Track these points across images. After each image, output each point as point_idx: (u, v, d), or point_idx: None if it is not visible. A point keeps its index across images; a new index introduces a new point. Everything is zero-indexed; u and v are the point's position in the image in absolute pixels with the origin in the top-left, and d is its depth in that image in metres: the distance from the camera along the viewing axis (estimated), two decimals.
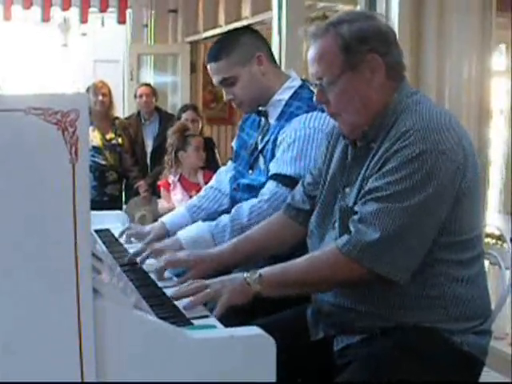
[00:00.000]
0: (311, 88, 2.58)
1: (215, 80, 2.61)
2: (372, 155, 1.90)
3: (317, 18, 5.63)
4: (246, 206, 2.44)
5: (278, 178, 2.43)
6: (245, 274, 1.89)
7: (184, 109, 6.18)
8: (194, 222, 2.70)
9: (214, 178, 2.99)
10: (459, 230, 1.86)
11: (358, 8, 3.76)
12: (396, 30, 3.38)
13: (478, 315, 1.92)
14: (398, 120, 1.87)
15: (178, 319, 1.72)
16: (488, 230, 3.42)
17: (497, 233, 3.10)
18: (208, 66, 2.62)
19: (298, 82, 2.63)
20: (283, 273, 1.91)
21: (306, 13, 5.25)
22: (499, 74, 7.16)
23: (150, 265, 2.30)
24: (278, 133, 2.52)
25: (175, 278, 2.16)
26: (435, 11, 3.47)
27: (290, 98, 2.58)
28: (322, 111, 2.41)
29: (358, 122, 1.95)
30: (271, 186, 2.43)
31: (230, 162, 2.96)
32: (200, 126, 6.01)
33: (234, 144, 2.93)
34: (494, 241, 3.64)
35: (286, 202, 2.33)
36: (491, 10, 3.51)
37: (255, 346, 1.49)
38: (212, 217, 2.73)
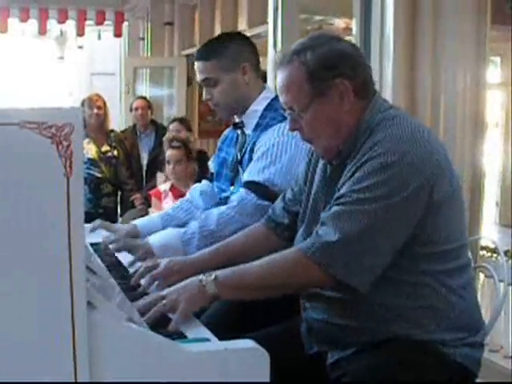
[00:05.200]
0: None
1: (198, 77, 2.67)
2: (346, 170, 1.91)
3: (313, 31, 5.65)
4: (214, 213, 2.48)
5: (249, 185, 2.48)
6: (200, 277, 1.86)
7: (171, 121, 6.22)
8: (164, 228, 2.76)
9: (188, 192, 3.05)
10: (442, 240, 1.86)
11: (354, 21, 3.77)
12: (391, 42, 3.39)
13: (468, 326, 1.92)
14: (372, 135, 1.88)
15: (172, 332, 1.72)
16: (483, 242, 3.42)
17: (492, 245, 3.10)
18: (195, 63, 2.68)
19: (272, 94, 2.69)
20: (240, 275, 1.89)
21: (301, 26, 5.26)
22: (494, 86, 7.20)
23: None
24: (255, 143, 2.58)
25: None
26: (430, 23, 3.47)
27: (265, 109, 2.63)
28: None
29: (331, 145, 1.97)
30: (240, 193, 2.49)
31: (203, 181, 3.03)
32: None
33: (210, 165, 2.98)
34: (489, 253, 3.64)
35: (254, 208, 2.41)
36: (486, 22, 3.52)
37: (249, 358, 1.50)
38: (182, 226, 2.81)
